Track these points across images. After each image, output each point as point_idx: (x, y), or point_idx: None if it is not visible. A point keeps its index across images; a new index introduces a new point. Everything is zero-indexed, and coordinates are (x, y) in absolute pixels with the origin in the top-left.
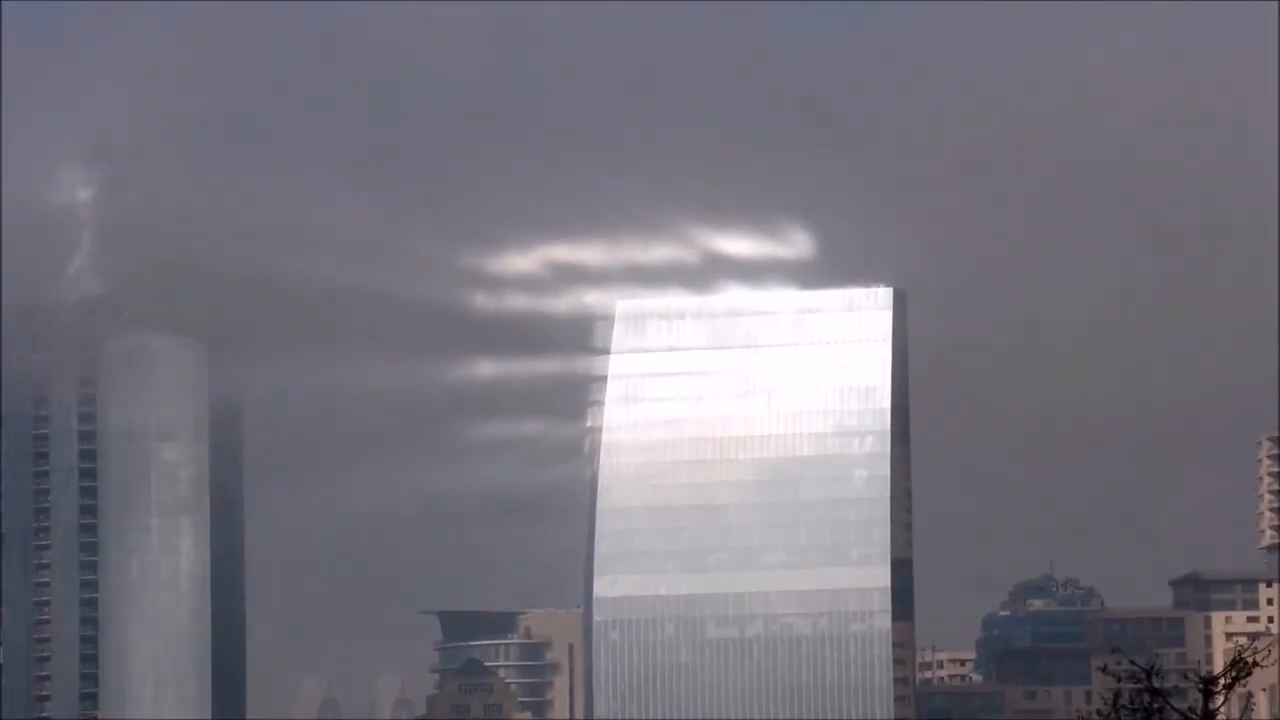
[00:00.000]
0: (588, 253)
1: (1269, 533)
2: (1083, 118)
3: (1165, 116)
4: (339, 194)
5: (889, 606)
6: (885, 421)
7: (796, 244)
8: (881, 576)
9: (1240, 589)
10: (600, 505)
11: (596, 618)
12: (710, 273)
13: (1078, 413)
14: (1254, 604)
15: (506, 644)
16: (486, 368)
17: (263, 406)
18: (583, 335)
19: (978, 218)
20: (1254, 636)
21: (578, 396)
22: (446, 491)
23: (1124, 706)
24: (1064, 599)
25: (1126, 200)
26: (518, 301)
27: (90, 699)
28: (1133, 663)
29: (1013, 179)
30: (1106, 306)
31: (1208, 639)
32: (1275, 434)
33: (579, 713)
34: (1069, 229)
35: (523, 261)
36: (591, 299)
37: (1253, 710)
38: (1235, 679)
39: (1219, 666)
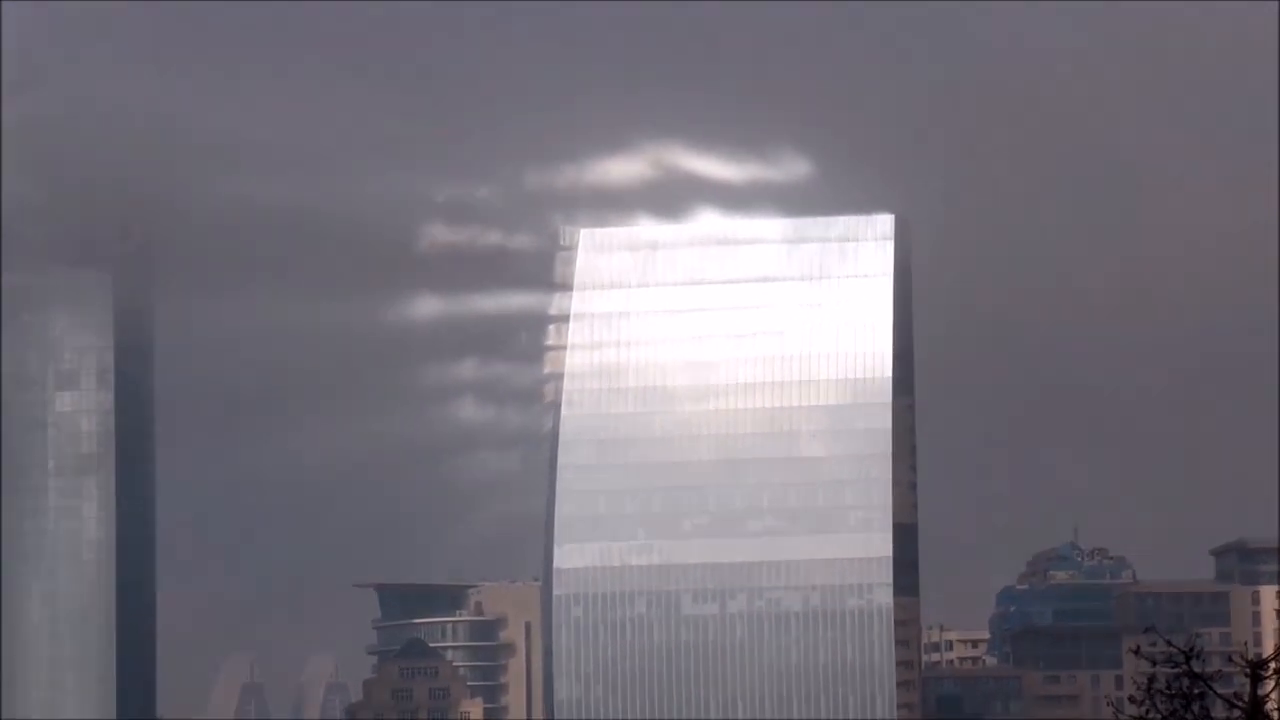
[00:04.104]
0: (550, 177)
1: None
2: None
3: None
4: (272, 111)
5: (891, 579)
6: (886, 367)
7: (786, 166)
8: (882, 544)
9: None
10: (562, 462)
11: (557, 591)
12: (688, 198)
13: (1105, 356)
14: None
15: (454, 622)
16: (433, 306)
17: (177, 350)
18: (543, 269)
19: (989, 138)
20: None
21: (536, 339)
22: (386, 447)
23: (1160, 692)
24: (1090, 570)
25: (1157, 127)
26: (470, 231)
27: None
28: (1169, 643)
29: (1027, 98)
30: (1139, 240)
31: (1255, 616)
32: None
33: (538, 699)
34: (1092, 149)
35: (477, 186)
36: (553, 228)
37: None
38: None
39: (1269, 648)
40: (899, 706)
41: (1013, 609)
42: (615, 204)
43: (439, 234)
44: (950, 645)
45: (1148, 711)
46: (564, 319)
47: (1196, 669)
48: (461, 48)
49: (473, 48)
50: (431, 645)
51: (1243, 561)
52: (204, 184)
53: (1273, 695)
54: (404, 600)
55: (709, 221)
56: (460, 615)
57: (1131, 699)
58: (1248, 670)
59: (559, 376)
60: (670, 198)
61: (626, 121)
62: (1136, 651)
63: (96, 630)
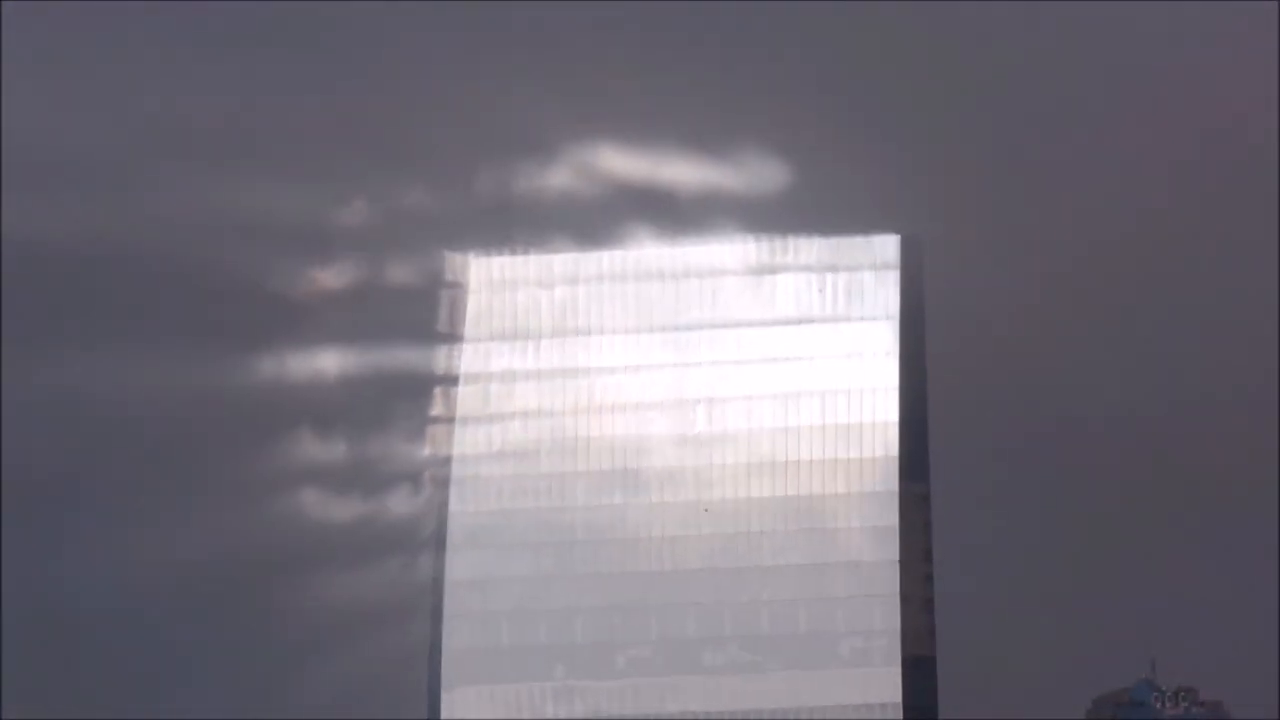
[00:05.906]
0: (429, 190)
1: None
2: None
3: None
4: (67, 110)
5: None
6: (891, 442)
7: (754, 174)
8: (888, 684)
9: None
10: (450, 577)
11: None
12: (619, 215)
13: (1186, 423)
14: None
15: None
16: (270, 365)
17: None
18: (421, 314)
19: (1023, 129)
20: None
21: (414, 409)
22: (204, 559)
23: None
24: (1175, 719)
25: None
26: (323, 261)
27: None
28: None
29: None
30: (1215, 273)
31: None
32: None
33: None
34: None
35: (332, 201)
36: (436, 256)
37: None
38: None
39: None
40: None
41: None
42: (524, 223)
43: (280, 266)
44: None
45: None
46: (451, 381)
47: None
48: (327, 14)
49: (344, 15)
50: None
51: None
52: None
53: None
54: None
55: (648, 247)
56: None
57: None
58: None
59: (443, 461)
60: (597, 215)
61: (540, 114)
62: None
63: None
